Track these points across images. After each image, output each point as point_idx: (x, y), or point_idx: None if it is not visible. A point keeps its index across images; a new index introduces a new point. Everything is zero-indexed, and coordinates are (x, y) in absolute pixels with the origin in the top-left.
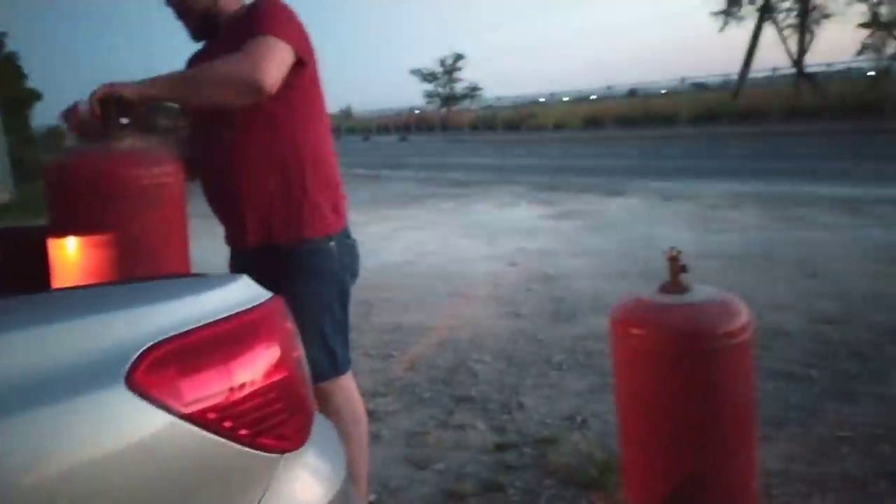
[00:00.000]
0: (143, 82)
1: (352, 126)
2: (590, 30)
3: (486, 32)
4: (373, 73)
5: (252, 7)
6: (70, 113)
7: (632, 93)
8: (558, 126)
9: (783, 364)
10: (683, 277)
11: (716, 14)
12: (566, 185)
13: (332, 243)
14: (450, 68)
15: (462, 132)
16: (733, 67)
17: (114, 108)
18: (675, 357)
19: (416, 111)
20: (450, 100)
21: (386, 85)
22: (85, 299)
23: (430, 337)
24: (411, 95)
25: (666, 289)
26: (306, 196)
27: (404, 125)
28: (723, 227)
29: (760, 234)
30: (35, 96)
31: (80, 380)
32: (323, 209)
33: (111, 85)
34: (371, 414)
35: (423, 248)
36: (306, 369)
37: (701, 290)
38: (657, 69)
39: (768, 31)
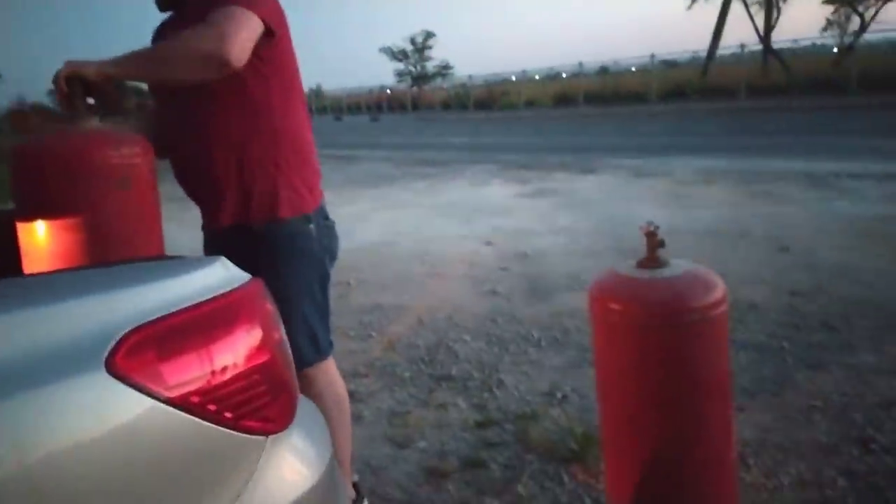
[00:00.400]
0: (106, 61)
1: (323, 105)
2: (561, 6)
3: (456, 9)
4: (342, 51)
5: None
6: (15, 112)
7: (603, 70)
8: (530, 104)
9: (756, 336)
10: (660, 252)
11: None
12: (539, 164)
13: (311, 225)
14: (420, 46)
15: (434, 111)
16: (702, 45)
17: (79, 87)
18: (654, 331)
19: (388, 90)
20: (421, 79)
21: (356, 63)
22: (61, 284)
23: (409, 317)
24: (382, 74)
25: (643, 264)
26: (281, 173)
27: (376, 104)
28: (695, 203)
29: (732, 210)
30: None
31: (60, 365)
32: (299, 188)
33: (74, 63)
34: (352, 395)
35: (398, 229)
36: (288, 351)
37: (677, 265)
38: (628, 47)
39: (736, 7)
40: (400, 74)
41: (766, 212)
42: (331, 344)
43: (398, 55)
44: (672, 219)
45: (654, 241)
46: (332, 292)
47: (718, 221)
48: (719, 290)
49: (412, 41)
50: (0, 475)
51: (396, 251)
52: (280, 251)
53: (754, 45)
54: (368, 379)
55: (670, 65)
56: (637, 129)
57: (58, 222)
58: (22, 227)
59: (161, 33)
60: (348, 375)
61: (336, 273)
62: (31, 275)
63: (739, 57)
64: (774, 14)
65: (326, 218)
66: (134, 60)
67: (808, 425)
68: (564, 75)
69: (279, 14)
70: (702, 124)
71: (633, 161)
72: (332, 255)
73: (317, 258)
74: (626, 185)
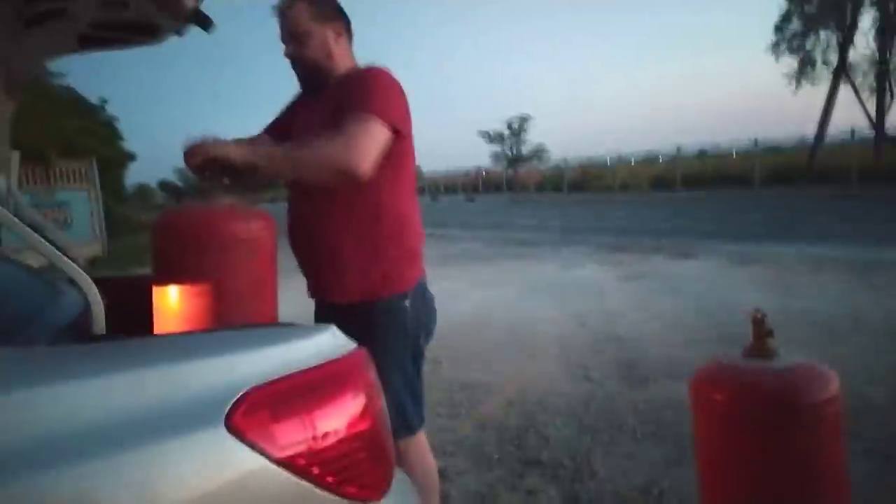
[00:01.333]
0: (248, 149)
1: (420, 185)
2: (658, 91)
3: (553, 94)
4: (440, 133)
5: (362, 74)
6: (169, 187)
7: (702, 153)
8: (625, 186)
9: (874, 442)
10: (769, 341)
11: (789, 75)
12: (635, 246)
13: (407, 301)
14: (517, 130)
15: (528, 192)
16: (808, 128)
17: (217, 166)
18: (761, 426)
19: (483, 171)
20: (516, 160)
21: (453, 145)
22: (188, 344)
23: (499, 396)
24: (478, 156)
25: (750, 353)
26: (383, 254)
27: (471, 185)
28: (804, 293)
29: (845, 301)
30: (129, 157)
31: (184, 420)
32: (400, 268)
33: (220, 147)
34: (440, 473)
35: (490, 307)
36: (388, 421)
37: (787, 356)
38: (728, 130)
39: (845, 91)
40: (496, 156)
41: (884, 305)
42: (422, 420)
43: (495, 138)
44: (779, 307)
45: (761, 328)
46: (423, 368)
47: (830, 312)
48: (833, 385)
49: (509, 125)
50: None
51: (488, 329)
52: (374, 326)
53: (865, 129)
54: (457, 458)
55: (774, 149)
56: (739, 214)
57: (188, 288)
58: (157, 291)
59: (294, 109)
60: (437, 452)
61: (428, 349)
62: (160, 335)
63: (849, 141)
64: (888, 98)
65: (424, 294)
66: (276, 159)
67: None
68: (661, 158)
69: (407, 118)
70: (810, 211)
71: (735, 247)
72: (428, 332)
73: (411, 335)
74: (728, 271)
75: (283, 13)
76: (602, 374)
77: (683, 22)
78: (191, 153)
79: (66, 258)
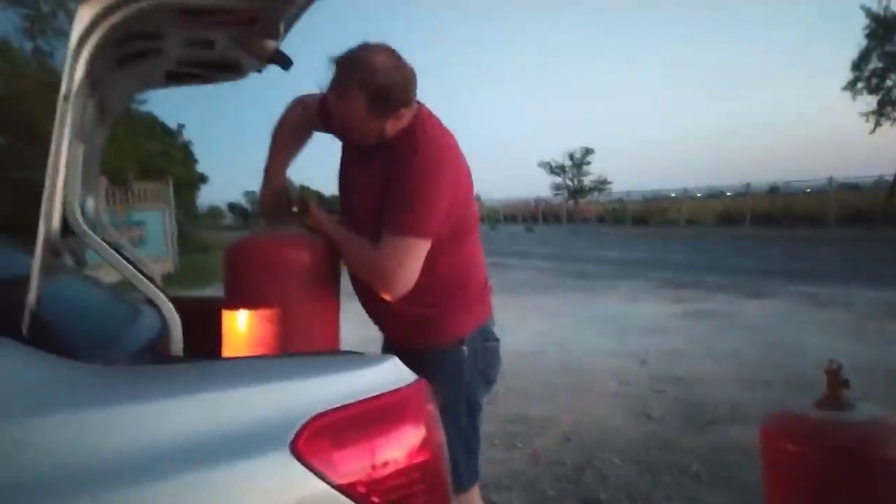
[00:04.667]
0: (325, 219)
1: (480, 215)
2: (726, 125)
3: (616, 126)
4: (500, 163)
5: (411, 160)
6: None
7: (773, 190)
8: (691, 221)
9: None
10: (844, 392)
11: (866, 114)
12: (699, 283)
13: (464, 347)
14: (578, 162)
15: (589, 224)
16: (886, 168)
17: (288, 200)
18: (836, 480)
19: (543, 201)
20: (577, 192)
21: (513, 175)
22: (257, 369)
23: (555, 431)
24: (539, 186)
25: (824, 404)
26: (438, 307)
27: (531, 215)
28: (882, 339)
29: None
30: (202, 179)
31: (252, 443)
32: (456, 315)
33: (316, 213)
34: None
35: (548, 339)
36: (446, 454)
37: (863, 408)
38: (800, 168)
39: None
40: (557, 187)
41: None
42: (475, 476)
43: (556, 170)
44: (854, 355)
45: (836, 379)
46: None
47: None
48: None
49: (571, 157)
50: None
51: (545, 361)
52: (427, 373)
53: None
54: (512, 493)
55: (850, 188)
56: (812, 254)
57: (256, 312)
58: (226, 315)
59: (353, 160)
60: (491, 486)
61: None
62: (231, 358)
63: None
64: None
65: (487, 339)
66: (335, 236)
67: None
68: (729, 194)
69: (460, 193)
70: (887, 253)
71: (806, 288)
72: (489, 380)
73: (466, 383)
74: (799, 312)
75: (335, 99)
76: (663, 413)
77: (753, 58)
78: (270, 194)
79: (148, 281)
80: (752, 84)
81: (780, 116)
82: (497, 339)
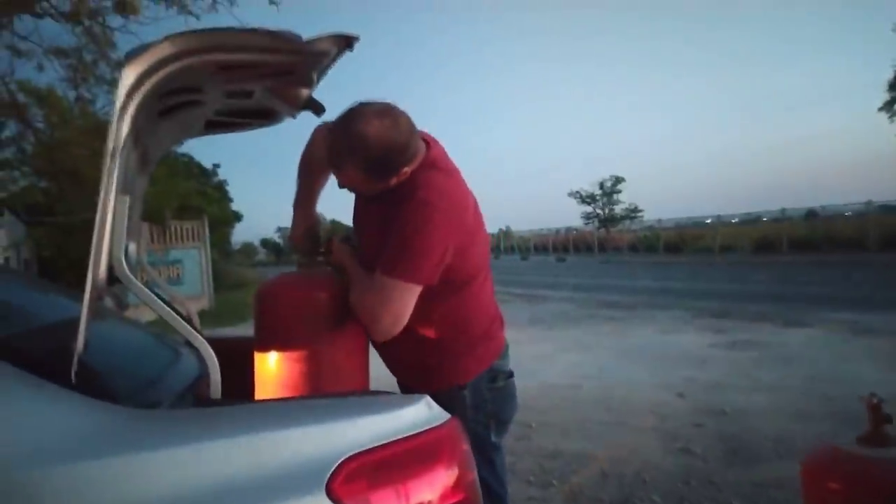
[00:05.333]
0: (347, 255)
1: (510, 245)
2: (761, 149)
3: (648, 150)
4: (530, 193)
5: (411, 207)
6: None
7: (810, 214)
8: (727, 248)
9: None
10: (887, 428)
11: None
12: (737, 312)
13: (465, 391)
14: (609, 191)
15: (621, 253)
16: None
17: (317, 241)
18: None
19: (574, 231)
20: (608, 221)
21: (543, 205)
22: (291, 411)
23: (592, 467)
24: (569, 216)
25: (867, 440)
26: (437, 362)
27: (562, 245)
28: None
29: None
30: (237, 217)
31: (288, 485)
32: (456, 366)
33: (339, 249)
34: None
35: (582, 372)
36: (480, 494)
37: None
38: (838, 191)
39: None
40: (587, 216)
41: None
42: None
43: (586, 199)
44: None
45: (878, 415)
46: (513, 432)
47: None
48: None
49: (601, 185)
50: None
51: (580, 395)
52: None
53: None
54: None
55: (890, 210)
56: (853, 280)
57: (286, 353)
58: (258, 356)
59: (358, 199)
60: None
61: (517, 414)
62: (268, 401)
63: None
64: None
65: (494, 380)
66: (350, 275)
67: None
68: (765, 219)
69: (458, 238)
70: None
71: (848, 315)
72: (501, 421)
73: (469, 427)
74: (842, 342)
75: (335, 170)
76: (703, 448)
77: (787, 80)
78: (301, 233)
79: (186, 324)
80: (785, 107)
81: (815, 139)
82: (510, 376)
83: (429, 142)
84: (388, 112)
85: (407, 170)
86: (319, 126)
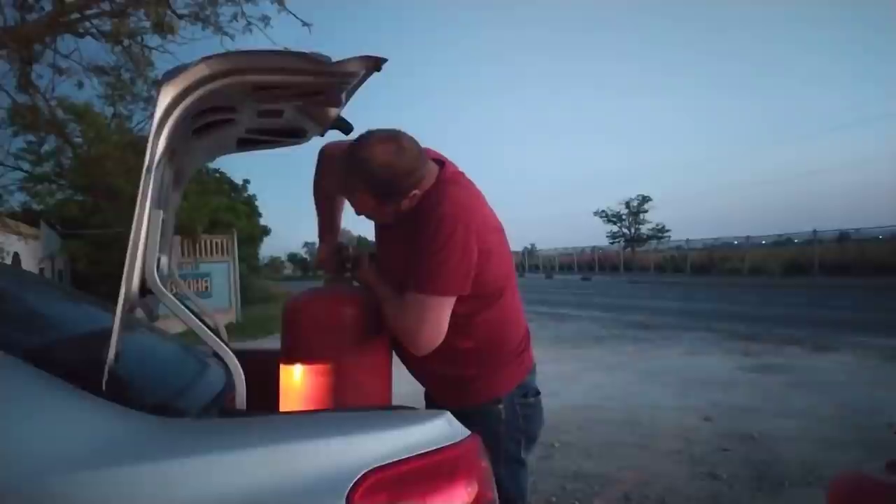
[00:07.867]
0: (371, 275)
1: (535, 263)
2: (790, 171)
3: (677, 171)
4: (557, 212)
5: (430, 223)
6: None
7: (843, 237)
8: (756, 270)
9: None
10: None
11: None
12: (766, 336)
13: (501, 405)
14: (635, 210)
15: (647, 273)
16: None
17: (344, 257)
18: None
19: (599, 250)
20: (635, 241)
21: (569, 224)
22: (314, 423)
23: (616, 489)
24: (595, 235)
25: (894, 467)
26: (474, 375)
27: (587, 264)
28: None
29: None
30: (265, 232)
31: (310, 497)
32: (493, 380)
33: (364, 269)
34: None
35: (606, 392)
36: None
37: None
38: (871, 214)
39: None
40: (613, 236)
41: None
42: None
43: (612, 218)
44: None
45: None
46: (535, 452)
47: None
48: None
49: (627, 205)
50: None
51: (603, 416)
52: None
53: None
54: None
55: None
56: (885, 304)
57: (310, 367)
58: (283, 369)
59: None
60: None
61: (540, 433)
62: (291, 413)
63: None
64: None
65: (526, 395)
66: (377, 292)
67: None
68: (796, 241)
69: (482, 247)
70: None
71: (882, 341)
72: (530, 437)
73: (503, 442)
74: (874, 368)
75: (346, 194)
76: (730, 473)
77: (815, 102)
78: (327, 251)
79: (214, 335)
80: (821, 129)
81: (846, 162)
82: (538, 393)
83: (443, 161)
84: (392, 138)
85: (417, 192)
86: (321, 148)
